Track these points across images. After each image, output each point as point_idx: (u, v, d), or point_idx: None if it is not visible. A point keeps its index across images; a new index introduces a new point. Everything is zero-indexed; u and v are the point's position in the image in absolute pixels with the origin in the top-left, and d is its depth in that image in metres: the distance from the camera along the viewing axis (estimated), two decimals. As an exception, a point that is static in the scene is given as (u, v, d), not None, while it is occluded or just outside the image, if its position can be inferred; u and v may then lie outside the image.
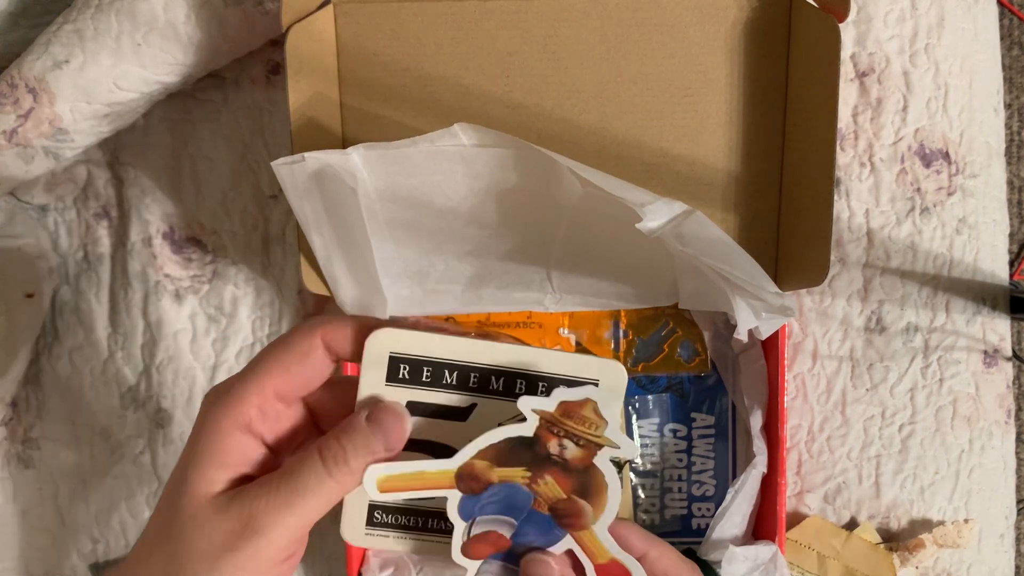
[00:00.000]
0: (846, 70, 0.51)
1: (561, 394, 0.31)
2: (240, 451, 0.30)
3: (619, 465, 0.50)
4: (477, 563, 0.33)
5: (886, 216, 0.52)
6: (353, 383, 0.33)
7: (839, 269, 0.52)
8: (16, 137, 0.45)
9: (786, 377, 0.48)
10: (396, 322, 0.33)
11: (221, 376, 0.53)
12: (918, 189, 0.52)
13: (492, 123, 0.45)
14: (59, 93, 0.44)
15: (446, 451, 0.33)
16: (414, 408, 0.33)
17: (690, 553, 0.48)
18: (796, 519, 0.52)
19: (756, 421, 0.48)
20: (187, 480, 0.29)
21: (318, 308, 0.52)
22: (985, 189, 0.52)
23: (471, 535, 0.32)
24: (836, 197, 0.52)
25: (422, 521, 0.34)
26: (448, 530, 0.32)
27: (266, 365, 0.31)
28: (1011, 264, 0.54)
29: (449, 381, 0.33)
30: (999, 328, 0.52)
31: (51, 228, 0.53)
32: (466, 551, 0.32)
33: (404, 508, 0.34)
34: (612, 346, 0.51)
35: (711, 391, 0.51)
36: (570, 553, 0.33)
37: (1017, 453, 0.54)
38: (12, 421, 0.53)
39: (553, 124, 0.47)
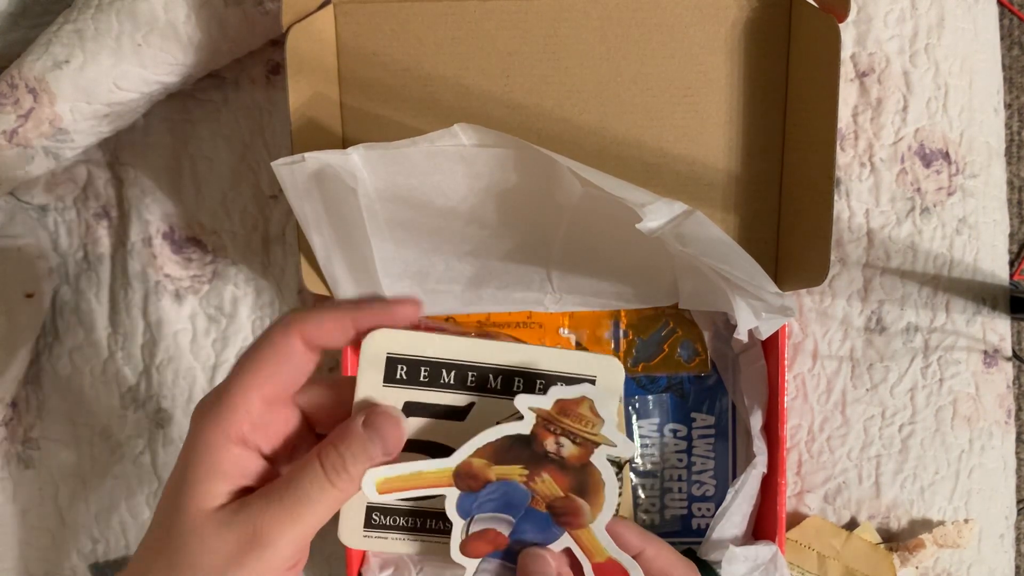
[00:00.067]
0: (846, 70, 0.51)
1: (557, 392, 0.31)
2: (237, 464, 0.30)
3: (619, 465, 0.50)
4: (476, 561, 0.33)
5: (886, 216, 0.52)
6: (345, 382, 0.33)
7: (839, 269, 0.52)
8: (16, 137, 0.45)
9: (786, 377, 0.48)
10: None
11: (221, 376, 0.53)
12: (918, 189, 0.52)
13: (492, 123, 0.45)
14: (59, 93, 0.45)
15: (444, 451, 0.33)
16: (412, 408, 0.33)
17: (690, 553, 0.48)
18: (796, 519, 0.52)
19: (756, 421, 0.48)
20: (186, 495, 0.29)
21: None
22: (985, 189, 0.52)
23: (469, 533, 0.32)
24: (836, 197, 0.52)
25: (420, 521, 0.34)
26: (446, 530, 0.32)
27: (249, 375, 0.30)
28: (1011, 264, 0.54)
29: (447, 381, 0.33)
30: (999, 328, 0.52)
31: (51, 228, 0.53)
32: (465, 549, 0.32)
33: (402, 509, 0.34)
34: (612, 346, 0.51)
35: (711, 391, 0.51)
36: (568, 552, 0.33)
37: (1017, 453, 0.54)
38: (12, 421, 0.53)
39: (553, 124, 0.47)
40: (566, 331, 0.51)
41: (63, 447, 0.53)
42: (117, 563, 0.54)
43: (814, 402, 0.52)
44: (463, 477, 0.32)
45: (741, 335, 0.44)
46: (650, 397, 0.51)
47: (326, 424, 0.33)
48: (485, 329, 0.50)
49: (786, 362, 0.49)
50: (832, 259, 0.43)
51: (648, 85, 0.47)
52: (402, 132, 0.46)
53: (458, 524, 0.32)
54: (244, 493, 0.30)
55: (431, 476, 0.32)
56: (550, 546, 0.32)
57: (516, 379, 0.33)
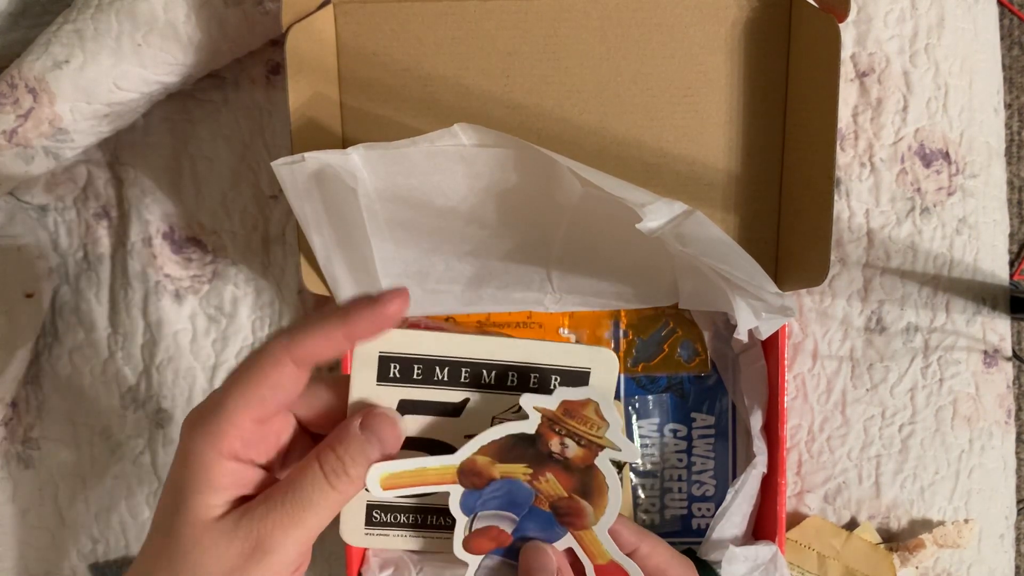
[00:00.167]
0: (846, 70, 0.51)
1: (563, 393, 0.31)
2: (232, 477, 0.30)
3: (619, 465, 0.50)
4: (478, 558, 0.33)
5: (886, 216, 0.52)
6: (343, 381, 0.33)
7: (839, 269, 0.52)
8: (16, 137, 0.45)
9: (786, 377, 0.48)
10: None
11: (221, 376, 0.53)
12: (918, 189, 0.52)
13: (492, 123, 0.45)
14: (59, 93, 0.44)
15: (441, 447, 0.33)
16: (407, 406, 0.33)
17: (690, 553, 0.48)
18: (796, 519, 0.52)
19: (756, 421, 0.48)
20: (185, 506, 0.29)
21: (318, 308, 0.52)
22: (985, 189, 0.52)
23: (472, 530, 0.32)
24: (836, 197, 0.52)
25: (421, 518, 0.34)
26: (447, 526, 0.32)
27: (240, 398, 0.29)
28: (1011, 264, 0.54)
29: (440, 377, 0.33)
30: (999, 328, 0.52)
31: (51, 228, 0.53)
32: (467, 546, 0.32)
33: (403, 506, 0.34)
34: (612, 346, 0.51)
35: (711, 391, 0.51)
36: (570, 552, 0.33)
37: (1017, 453, 0.54)
38: (12, 421, 0.53)
39: (553, 124, 0.47)
40: (566, 331, 0.51)
41: (63, 447, 0.53)
42: (117, 563, 0.54)
43: (814, 402, 0.52)
44: (467, 474, 0.32)
45: (741, 335, 0.44)
46: (650, 397, 0.51)
47: (324, 425, 0.33)
48: (485, 329, 0.50)
49: (786, 362, 0.49)
50: (832, 259, 0.43)
51: (648, 85, 0.47)
52: (402, 132, 0.46)
53: (461, 521, 0.32)
54: (242, 501, 0.30)
55: (435, 472, 0.32)
56: (553, 544, 0.33)
57: (510, 373, 0.33)
